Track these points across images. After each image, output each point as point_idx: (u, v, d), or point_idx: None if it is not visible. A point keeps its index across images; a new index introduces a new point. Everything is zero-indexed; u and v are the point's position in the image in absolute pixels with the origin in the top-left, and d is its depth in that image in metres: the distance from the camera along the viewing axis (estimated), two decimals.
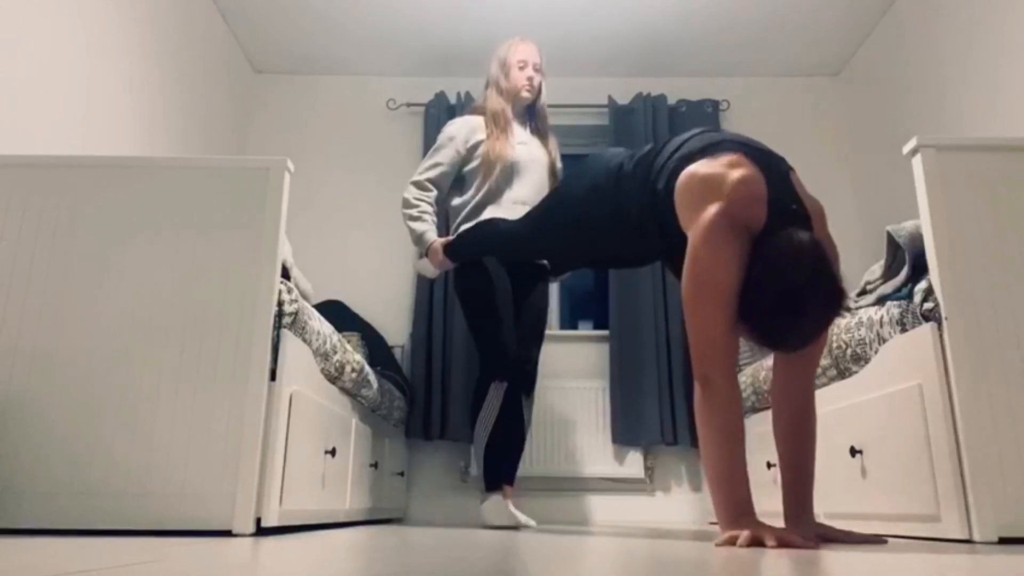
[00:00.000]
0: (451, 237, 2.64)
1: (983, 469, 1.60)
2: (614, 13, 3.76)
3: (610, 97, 4.05)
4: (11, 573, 0.78)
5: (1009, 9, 2.85)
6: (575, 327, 4.21)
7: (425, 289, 3.79)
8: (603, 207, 1.98)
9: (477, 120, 2.78)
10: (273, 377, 1.81)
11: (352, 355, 2.45)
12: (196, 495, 1.69)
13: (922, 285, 1.78)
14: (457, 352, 3.66)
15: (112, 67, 2.86)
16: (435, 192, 2.73)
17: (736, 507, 1.44)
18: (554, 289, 4.05)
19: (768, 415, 2.68)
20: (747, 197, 1.55)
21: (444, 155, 2.75)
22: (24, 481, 1.70)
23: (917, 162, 1.85)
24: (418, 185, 2.71)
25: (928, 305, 1.75)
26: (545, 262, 2.76)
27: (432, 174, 2.73)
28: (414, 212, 2.68)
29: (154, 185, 1.92)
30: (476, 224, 2.59)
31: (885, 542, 1.59)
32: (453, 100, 4.18)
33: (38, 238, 1.87)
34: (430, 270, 2.71)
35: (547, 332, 3.83)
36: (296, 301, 1.92)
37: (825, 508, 2.21)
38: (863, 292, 2.05)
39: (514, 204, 2.65)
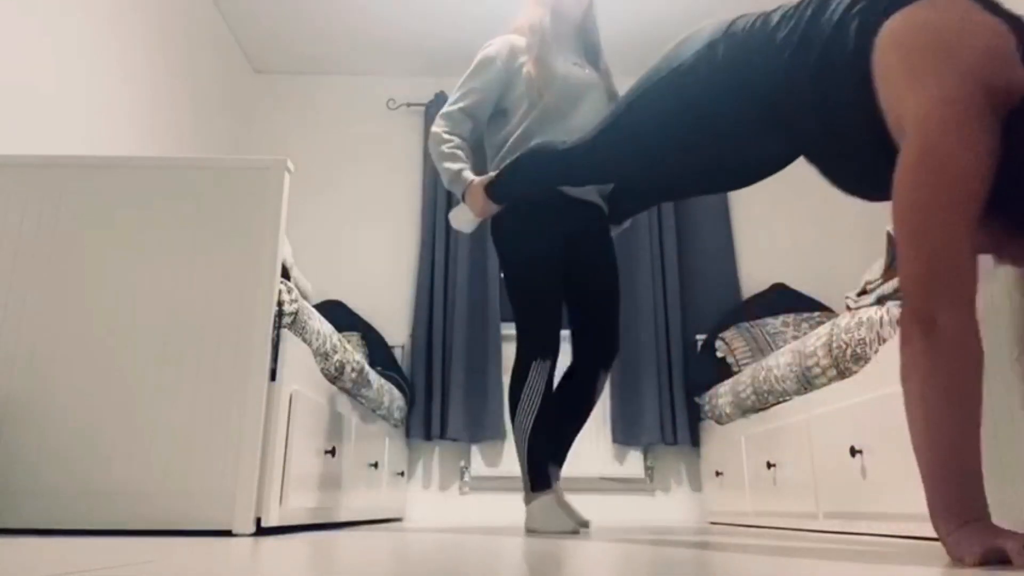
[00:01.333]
0: (493, 174, 2.15)
1: (982, 469, 1.60)
2: (613, 13, 3.76)
3: None
4: (11, 573, 0.78)
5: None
6: None
7: (425, 289, 3.79)
8: (717, 90, 1.50)
9: (519, 40, 2.30)
10: (273, 377, 1.81)
11: (352, 355, 2.45)
12: (196, 495, 1.69)
13: None
14: (457, 352, 3.66)
15: (112, 67, 2.87)
16: (471, 124, 2.25)
17: (971, 502, 1.05)
18: None
19: (767, 415, 2.68)
20: (1002, 56, 1.11)
21: (481, 79, 2.24)
22: (24, 481, 1.70)
23: None
24: (449, 117, 2.23)
25: None
26: (603, 204, 2.28)
27: (467, 103, 2.23)
28: (446, 148, 2.20)
29: (154, 185, 1.92)
30: (528, 149, 2.05)
31: None
32: None
33: (38, 238, 1.87)
34: (468, 220, 2.22)
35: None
36: (296, 301, 1.92)
37: (825, 508, 2.22)
38: (863, 292, 2.05)
39: (567, 135, 2.16)
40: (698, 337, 3.73)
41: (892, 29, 1.20)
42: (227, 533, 1.68)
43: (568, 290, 2.29)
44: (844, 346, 2.06)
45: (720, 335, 3.52)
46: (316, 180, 4.13)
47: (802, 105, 1.39)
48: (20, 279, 1.84)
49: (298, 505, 1.91)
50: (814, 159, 1.52)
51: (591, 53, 2.39)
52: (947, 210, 1.08)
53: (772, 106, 1.45)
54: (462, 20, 3.86)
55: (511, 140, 2.22)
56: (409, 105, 4.19)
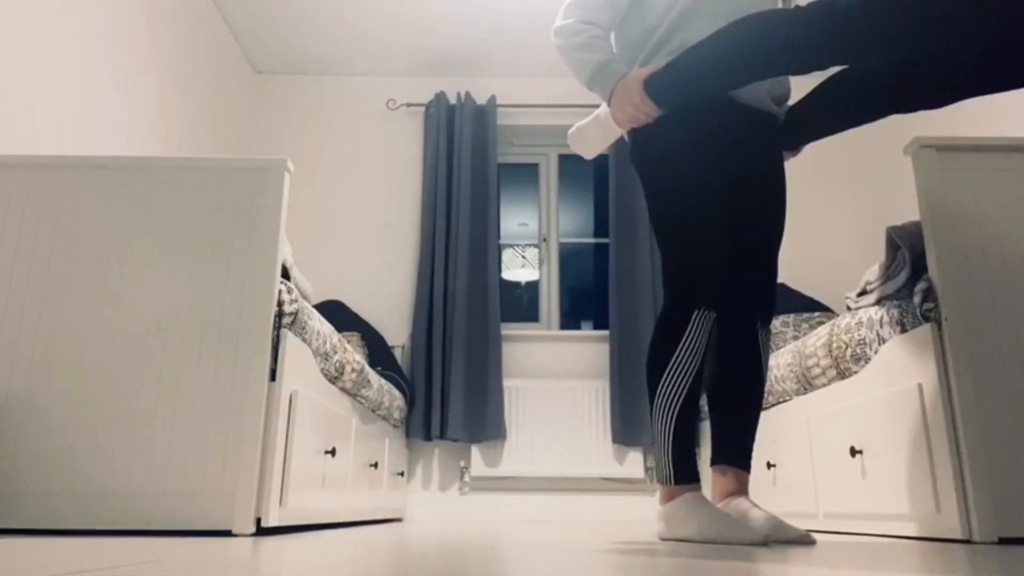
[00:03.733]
0: (658, 66, 1.65)
1: (983, 469, 1.60)
2: None
3: None
4: (11, 573, 0.78)
5: None
6: (575, 327, 4.21)
7: (425, 289, 3.79)
8: None
9: None
10: (273, 377, 1.81)
11: (352, 355, 2.45)
12: (196, 495, 1.69)
13: (922, 285, 1.78)
14: (457, 352, 3.66)
15: (112, 68, 2.87)
16: (610, 12, 1.77)
17: None
18: (554, 289, 4.05)
19: (767, 415, 2.68)
20: None
21: None
22: (24, 481, 1.70)
23: (917, 161, 1.85)
24: (582, 5, 1.77)
25: (928, 305, 1.75)
26: (778, 114, 1.79)
27: None
28: (583, 39, 1.72)
29: (154, 185, 1.92)
30: (734, 22, 1.50)
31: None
32: (453, 100, 4.19)
33: (38, 238, 1.87)
34: (602, 135, 1.78)
35: (546, 332, 3.86)
36: (296, 301, 1.92)
37: (825, 508, 2.22)
38: (863, 292, 2.05)
39: (726, 21, 1.70)
40: None
41: None
42: (227, 533, 1.68)
43: (734, 214, 1.76)
44: (844, 346, 2.06)
45: None
46: (316, 180, 4.13)
47: None
48: (20, 279, 1.84)
49: (298, 505, 1.91)
50: None
51: None
52: None
53: None
54: (462, 21, 3.86)
55: (658, 32, 1.73)
56: (409, 105, 4.19)
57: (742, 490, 1.67)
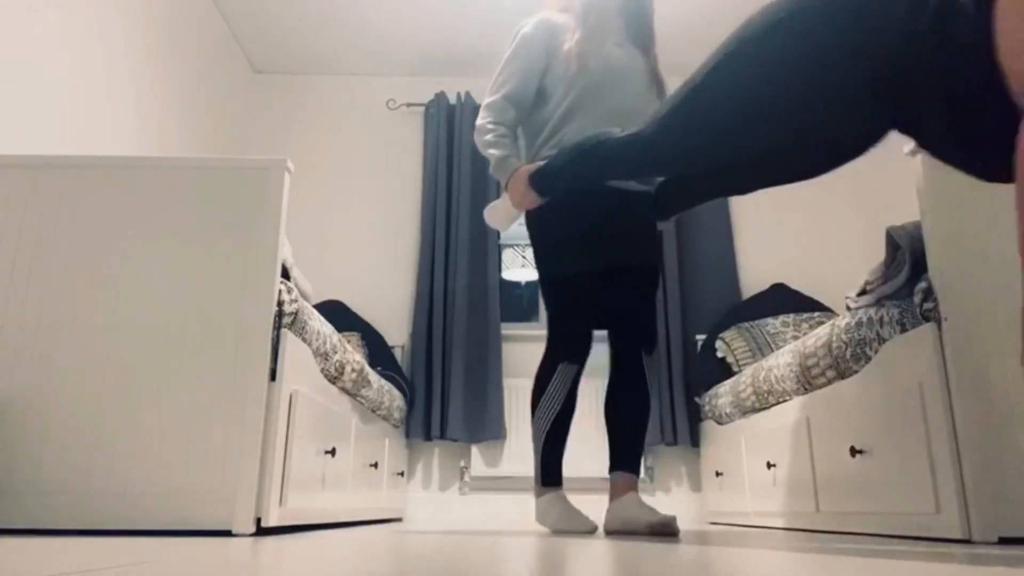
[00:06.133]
0: (539, 163, 2.08)
1: (983, 469, 1.60)
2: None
3: None
4: (11, 573, 0.78)
5: None
6: None
7: (425, 289, 3.79)
8: (821, 50, 1.30)
9: (557, 16, 2.26)
10: (273, 377, 1.81)
11: (352, 355, 2.45)
12: (196, 495, 1.69)
13: (922, 285, 1.78)
14: (457, 352, 3.66)
15: (112, 67, 2.87)
16: (515, 112, 2.21)
17: None
18: None
19: (767, 415, 2.68)
20: None
21: (521, 61, 2.20)
22: (24, 481, 1.70)
23: (917, 162, 1.85)
24: (492, 108, 2.21)
25: (928, 305, 1.75)
26: (646, 190, 2.20)
27: (509, 89, 2.20)
28: (490, 137, 2.17)
29: (154, 185, 1.92)
30: (580, 140, 1.91)
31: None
32: (453, 100, 4.19)
33: (38, 238, 1.87)
34: (505, 215, 2.19)
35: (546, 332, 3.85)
36: (296, 301, 1.92)
37: (825, 507, 2.22)
38: (863, 292, 2.05)
39: (608, 116, 2.14)
40: (698, 337, 3.73)
41: None
42: (227, 533, 1.68)
43: (607, 277, 2.21)
44: (844, 346, 2.06)
45: (720, 335, 3.52)
46: (316, 180, 4.13)
47: (920, 62, 1.20)
48: (20, 279, 1.84)
49: (298, 505, 1.91)
50: (915, 130, 1.33)
51: (640, 36, 2.30)
52: None
53: (886, 65, 1.27)
54: (462, 21, 3.86)
55: (550, 124, 2.18)
56: (409, 105, 4.20)
57: (630, 488, 2.13)
